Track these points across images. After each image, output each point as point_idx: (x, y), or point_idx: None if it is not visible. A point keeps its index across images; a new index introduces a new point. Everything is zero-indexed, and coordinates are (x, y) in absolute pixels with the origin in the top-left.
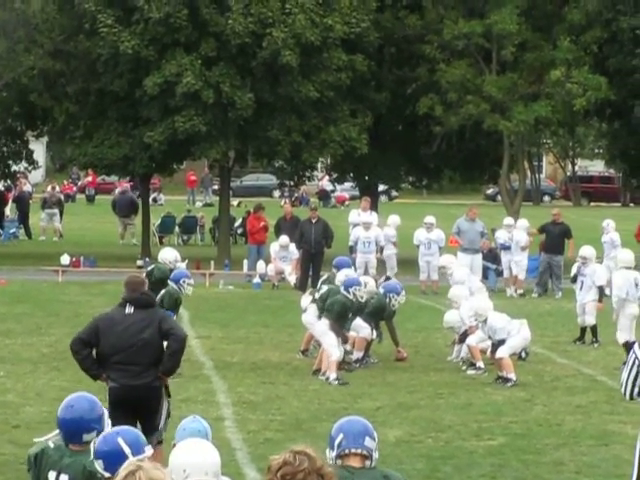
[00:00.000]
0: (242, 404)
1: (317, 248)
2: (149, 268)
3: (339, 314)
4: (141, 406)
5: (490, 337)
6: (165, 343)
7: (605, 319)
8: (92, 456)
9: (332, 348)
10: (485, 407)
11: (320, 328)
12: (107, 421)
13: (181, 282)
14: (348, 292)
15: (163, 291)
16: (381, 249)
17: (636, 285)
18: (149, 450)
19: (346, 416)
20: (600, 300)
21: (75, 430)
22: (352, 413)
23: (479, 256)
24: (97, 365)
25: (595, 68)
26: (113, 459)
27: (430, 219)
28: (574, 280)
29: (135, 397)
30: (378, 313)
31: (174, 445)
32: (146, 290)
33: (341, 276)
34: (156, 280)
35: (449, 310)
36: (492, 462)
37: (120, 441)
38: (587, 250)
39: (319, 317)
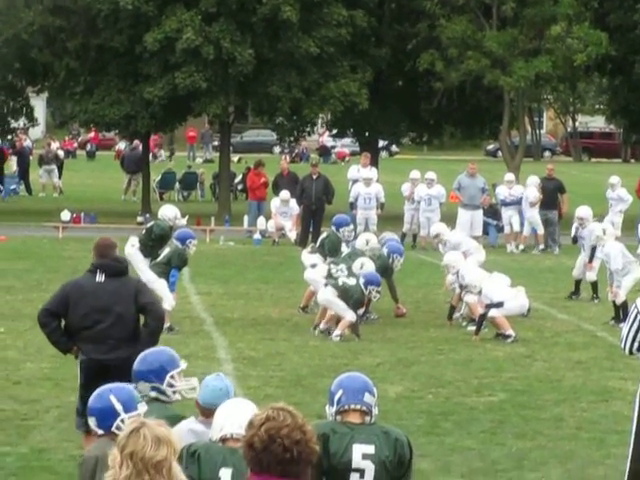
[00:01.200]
0: (242, 360)
1: (318, 204)
2: (149, 225)
3: (357, 300)
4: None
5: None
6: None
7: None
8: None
9: (345, 311)
10: (485, 363)
11: (326, 297)
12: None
13: (187, 242)
14: (366, 288)
15: (168, 249)
16: (382, 205)
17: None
18: (142, 407)
19: (346, 372)
20: (590, 261)
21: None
22: (352, 369)
23: (479, 212)
24: (66, 338)
25: (596, 23)
26: (105, 416)
27: (431, 175)
28: (575, 241)
29: (108, 372)
30: (381, 274)
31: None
32: (117, 255)
33: (361, 242)
34: (156, 237)
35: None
36: (492, 418)
37: (112, 398)
38: (583, 211)
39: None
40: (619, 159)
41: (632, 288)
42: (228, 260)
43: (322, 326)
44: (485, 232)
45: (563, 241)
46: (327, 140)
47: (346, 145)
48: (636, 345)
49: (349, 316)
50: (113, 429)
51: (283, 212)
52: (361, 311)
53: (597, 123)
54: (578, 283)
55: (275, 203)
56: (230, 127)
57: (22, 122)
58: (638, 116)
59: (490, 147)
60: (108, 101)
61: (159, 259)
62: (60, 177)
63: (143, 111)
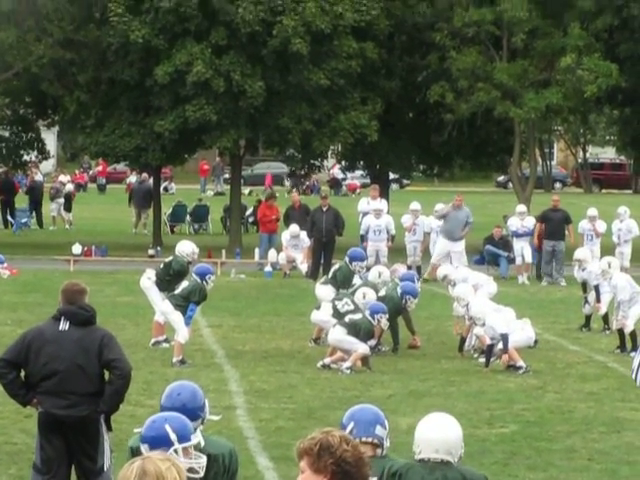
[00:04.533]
0: (254, 393)
1: (328, 236)
2: (167, 260)
3: (367, 331)
4: (74, 441)
5: (492, 338)
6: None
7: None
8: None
9: (357, 345)
10: (497, 395)
11: (335, 337)
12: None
13: (207, 278)
14: (373, 318)
15: (187, 283)
16: (392, 237)
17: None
18: (195, 438)
19: (358, 404)
20: (598, 300)
21: None
22: (364, 401)
23: (459, 244)
24: (25, 390)
25: (606, 55)
26: (159, 445)
27: (415, 205)
28: (584, 285)
29: (66, 430)
30: (392, 317)
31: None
32: (85, 304)
33: (374, 275)
34: (174, 272)
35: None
36: (504, 449)
37: (167, 427)
38: (581, 253)
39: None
40: (630, 190)
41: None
42: (239, 293)
43: (327, 360)
44: (496, 263)
45: (570, 272)
46: (337, 172)
47: (356, 177)
48: None
49: (362, 349)
50: None
51: (294, 244)
52: (373, 343)
53: (608, 154)
54: (588, 318)
55: (286, 236)
56: (241, 160)
57: (34, 155)
58: None
59: (501, 179)
60: (119, 134)
61: (178, 292)
62: (70, 210)
63: (154, 143)
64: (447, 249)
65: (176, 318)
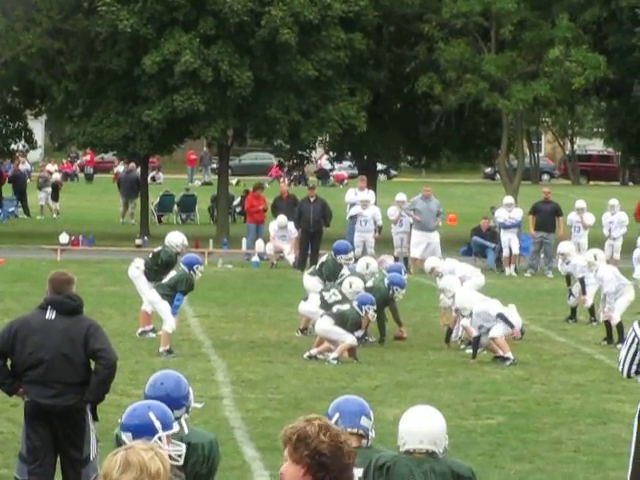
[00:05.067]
0: (241, 383)
1: (316, 227)
2: (156, 250)
3: (354, 322)
4: (60, 431)
5: (480, 327)
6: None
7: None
8: (119, 428)
9: (344, 336)
10: (484, 386)
11: (323, 327)
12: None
13: (194, 268)
14: (361, 310)
15: (174, 273)
16: (379, 228)
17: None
18: (176, 426)
19: (344, 395)
20: (584, 292)
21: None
22: (351, 392)
23: (435, 234)
24: (12, 379)
25: (594, 47)
26: (143, 433)
27: (401, 196)
28: (567, 278)
29: (52, 419)
30: (380, 308)
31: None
32: (72, 293)
33: (361, 266)
34: (162, 262)
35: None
36: (490, 441)
37: (151, 415)
38: (565, 246)
39: (322, 292)
40: (617, 182)
41: (626, 310)
42: (226, 283)
43: (313, 351)
44: (483, 255)
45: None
46: (325, 163)
47: (344, 168)
48: (634, 368)
49: (349, 339)
50: None
51: (282, 235)
52: (360, 334)
53: (595, 146)
54: (574, 310)
55: (273, 226)
56: (229, 150)
57: (22, 145)
58: (636, 139)
59: (488, 170)
60: (106, 123)
61: (165, 281)
62: (57, 200)
63: (142, 133)
64: (423, 240)
65: (163, 308)
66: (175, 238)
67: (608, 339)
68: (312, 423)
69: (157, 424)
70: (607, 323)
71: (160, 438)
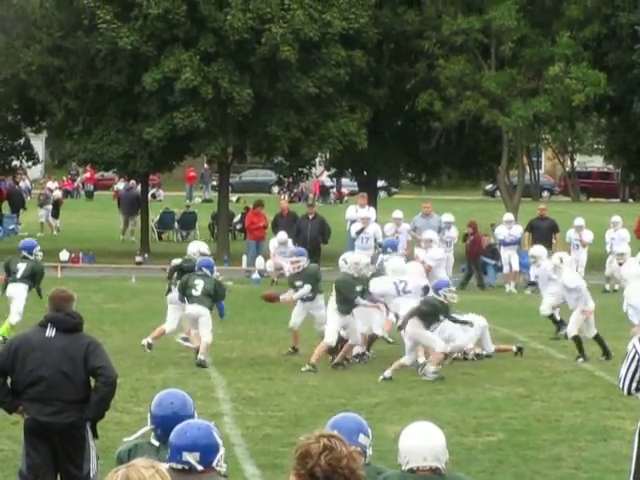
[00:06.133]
0: (241, 400)
1: (313, 245)
2: (178, 261)
3: (429, 313)
4: (60, 448)
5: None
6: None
7: (603, 315)
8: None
9: (435, 342)
10: (484, 403)
11: (414, 330)
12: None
13: (213, 269)
14: (438, 294)
15: (202, 283)
16: (379, 245)
17: None
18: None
19: (344, 412)
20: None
21: (173, 426)
22: (351, 409)
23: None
24: (11, 397)
25: (594, 63)
26: (210, 452)
27: (397, 214)
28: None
29: (52, 437)
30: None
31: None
32: (72, 310)
33: (393, 264)
34: (187, 273)
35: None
36: (491, 458)
37: (215, 434)
38: (537, 249)
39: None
40: (617, 199)
41: (581, 322)
42: (226, 299)
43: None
44: (484, 272)
45: None
46: (326, 180)
47: (345, 185)
48: (634, 385)
49: (439, 347)
50: (214, 465)
51: (282, 252)
52: (361, 350)
53: (595, 163)
54: (553, 318)
55: (274, 243)
56: (229, 167)
57: (24, 161)
58: (636, 156)
59: (489, 187)
60: (107, 140)
61: (199, 294)
62: (57, 217)
63: (142, 151)
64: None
65: (208, 322)
66: (190, 247)
67: (606, 355)
68: (319, 441)
69: (220, 441)
70: (576, 338)
71: (222, 456)
